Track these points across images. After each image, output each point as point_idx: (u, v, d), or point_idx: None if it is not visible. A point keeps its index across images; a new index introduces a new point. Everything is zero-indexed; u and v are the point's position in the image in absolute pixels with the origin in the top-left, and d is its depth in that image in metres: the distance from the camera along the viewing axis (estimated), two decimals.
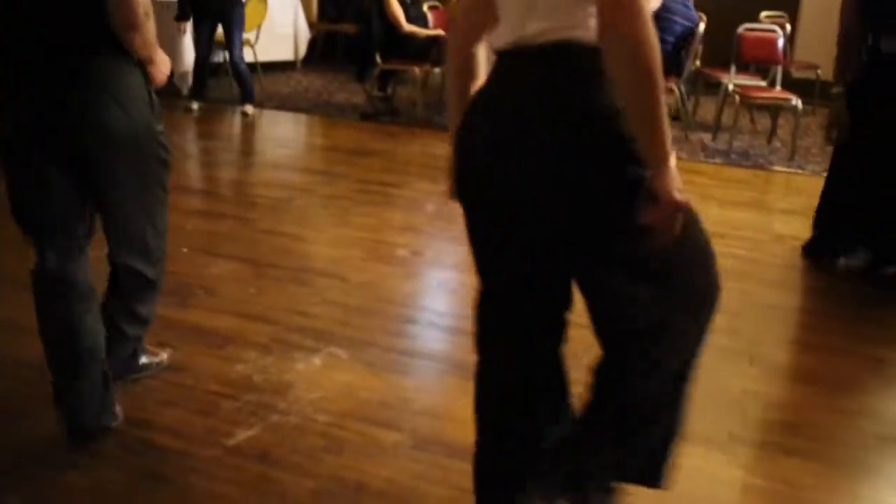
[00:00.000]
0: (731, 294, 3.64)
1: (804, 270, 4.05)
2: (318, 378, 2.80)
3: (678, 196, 1.51)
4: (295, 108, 7.72)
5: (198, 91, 7.23)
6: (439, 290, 3.64)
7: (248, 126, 7.04)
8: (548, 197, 1.59)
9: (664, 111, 1.48)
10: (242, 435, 2.46)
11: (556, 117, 1.55)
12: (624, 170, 1.54)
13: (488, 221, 1.75)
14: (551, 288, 1.79)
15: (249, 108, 7.22)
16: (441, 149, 6.18)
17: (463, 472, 2.32)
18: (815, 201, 4.24)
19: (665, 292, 1.67)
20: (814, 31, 8.41)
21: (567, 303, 1.82)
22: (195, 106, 7.21)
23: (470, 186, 1.74)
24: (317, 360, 2.91)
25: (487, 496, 1.99)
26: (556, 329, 1.86)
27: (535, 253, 1.71)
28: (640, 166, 1.53)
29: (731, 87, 6.72)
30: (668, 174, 1.50)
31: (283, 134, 7.13)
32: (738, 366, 3.00)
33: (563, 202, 1.59)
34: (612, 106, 1.52)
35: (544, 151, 1.56)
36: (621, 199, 1.56)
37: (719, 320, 3.36)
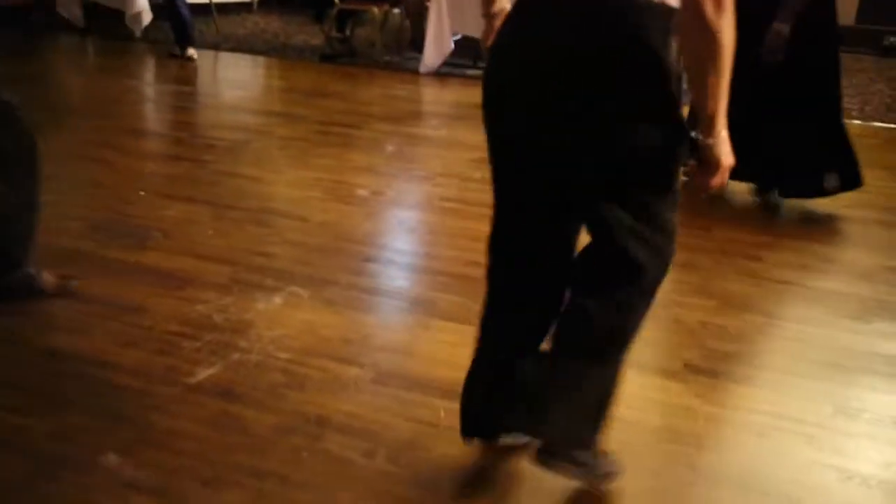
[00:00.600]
0: (690, 231, 3.71)
1: (756, 206, 4.12)
2: (278, 316, 2.80)
3: (728, 161, 1.64)
4: (251, 51, 7.58)
5: (184, 36, 6.96)
6: (399, 228, 3.64)
7: (205, 69, 6.91)
8: (586, 133, 1.64)
9: (727, 86, 1.55)
10: (203, 373, 2.46)
11: (621, 60, 1.57)
12: (665, 126, 1.63)
13: (518, 138, 1.77)
14: (563, 213, 1.86)
15: (192, 51, 6.99)
16: (401, 90, 6.14)
17: (423, 405, 2.36)
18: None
19: (653, 244, 1.78)
20: None
21: (576, 231, 1.91)
22: (191, 52, 6.96)
23: (509, 97, 1.74)
24: (277, 299, 2.91)
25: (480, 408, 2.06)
26: (564, 251, 1.93)
27: (555, 177, 1.76)
28: (679, 128, 1.63)
29: None
30: (724, 141, 1.62)
31: (240, 76, 7.01)
32: (695, 299, 3.05)
33: (599, 141, 1.64)
34: (671, 67, 1.59)
35: (596, 86, 1.60)
36: (657, 151, 1.66)
37: (683, 257, 3.43)
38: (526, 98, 1.69)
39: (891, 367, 2.69)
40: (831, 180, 3.93)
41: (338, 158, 4.48)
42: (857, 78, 6.96)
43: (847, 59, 7.57)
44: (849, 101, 6.11)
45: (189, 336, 2.65)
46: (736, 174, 3.46)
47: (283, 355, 2.58)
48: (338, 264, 3.21)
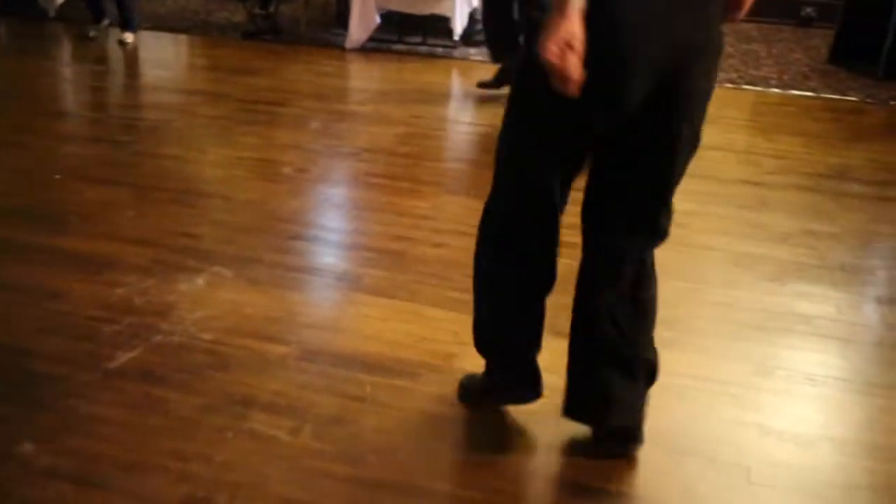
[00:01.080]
0: None
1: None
2: (201, 297, 2.75)
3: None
4: (172, 29, 7.38)
5: (97, 14, 6.71)
6: (325, 205, 3.60)
7: (124, 48, 6.71)
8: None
9: None
10: (124, 357, 2.41)
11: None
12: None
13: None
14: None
15: (129, 37, 6.79)
16: (326, 66, 6.06)
17: (349, 381, 2.35)
18: None
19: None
20: None
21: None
22: (92, 34, 6.72)
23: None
24: (200, 280, 2.86)
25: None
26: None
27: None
28: None
29: None
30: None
31: (160, 55, 6.83)
32: None
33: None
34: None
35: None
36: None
37: None
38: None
39: (807, 326, 2.77)
40: None
41: (262, 136, 4.41)
42: (776, 48, 7.10)
43: (766, 29, 7.76)
44: (768, 71, 6.24)
45: (109, 320, 2.59)
46: None
47: (207, 336, 2.54)
48: (263, 243, 3.17)
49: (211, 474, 1.97)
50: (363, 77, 5.94)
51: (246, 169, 3.93)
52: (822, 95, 5.64)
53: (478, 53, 6.25)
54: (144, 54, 6.73)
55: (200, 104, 5.04)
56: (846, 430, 2.27)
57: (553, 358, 2.11)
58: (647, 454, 2.13)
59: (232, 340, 2.52)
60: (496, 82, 4.97)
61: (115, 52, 6.52)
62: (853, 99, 5.62)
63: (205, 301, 2.73)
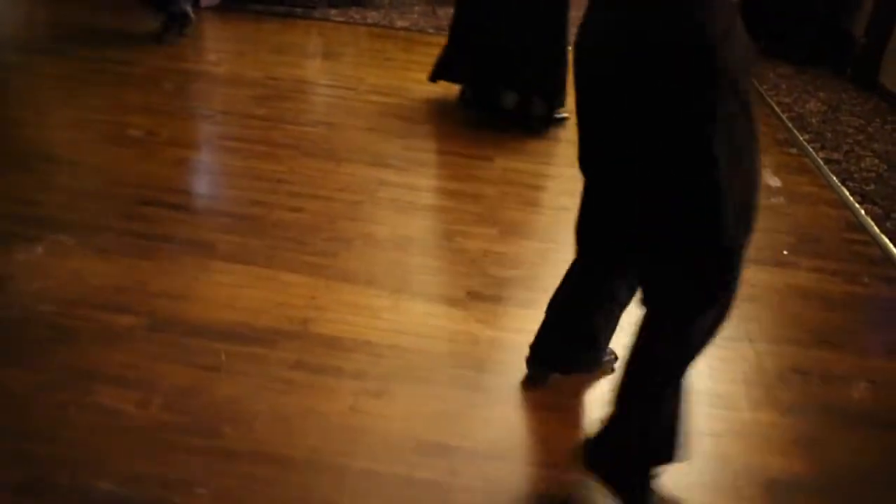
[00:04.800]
0: (473, 162, 3.77)
1: (543, 139, 4.23)
2: (41, 268, 2.60)
3: None
4: None
5: None
6: (177, 170, 3.45)
7: None
8: None
9: None
10: None
11: None
12: None
13: None
14: None
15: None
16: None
17: (203, 350, 2.28)
18: None
19: None
20: None
21: None
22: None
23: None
24: (39, 249, 2.69)
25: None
26: None
27: None
28: None
29: None
30: None
31: None
32: (478, 228, 3.11)
33: None
34: None
35: None
36: None
37: (467, 188, 3.47)
38: None
39: None
40: (538, 107, 4.11)
41: (110, 97, 4.17)
42: None
43: None
44: None
45: None
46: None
47: (48, 308, 2.40)
48: (110, 209, 3.01)
49: (50, 453, 1.87)
50: (218, 37, 5.71)
51: (92, 132, 3.72)
52: None
53: (339, 14, 6.12)
54: None
55: (44, 63, 4.72)
56: (691, 379, 2.36)
57: None
58: (504, 410, 2.17)
59: (75, 312, 2.39)
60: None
61: None
62: None
63: (45, 271, 2.57)
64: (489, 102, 4.14)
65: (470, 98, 4.22)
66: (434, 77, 4.19)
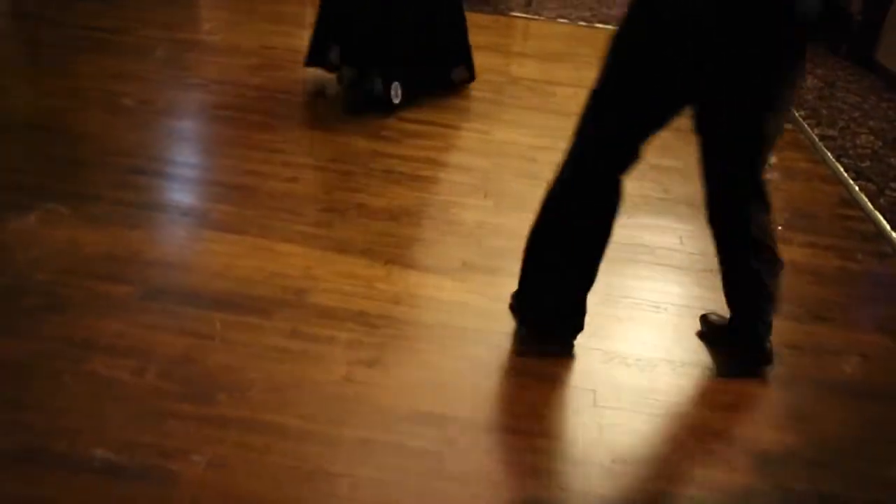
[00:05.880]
0: (470, 134, 3.76)
1: (538, 113, 4.22)
2: (34, 236, 2.58)
3: None
4: None
5: None
6: (170, 139, 3.43)
7: None
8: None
9: None
10: None
11: None
12: None
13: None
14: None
15: None
16: None
17: (197, 318, 2.28)
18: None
19: None
20: None
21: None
22: None
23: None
24: (32, 218, 2.68)
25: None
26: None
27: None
28: None
29: None
30: None
31: None
32: (472, 200, 3.11)
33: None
34: None
35: None
36: None
37: (457, 158, 3.46)
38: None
39: (651, 256, 2.88)
40: (459, 73, 4.15)
41: (101, 66, 4.13)
42: None
43: None
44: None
45: None
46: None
47: (42, 277, 2.39)
48: (102, 178, 2.99)
49: (47, 421, 1.87)
50: (213, 5, 5.66)
51: (84, 100, 3.69)
52: None
53: None
54: None
55: (32, 30, 4.68)
56: (683, 352, 2.38)
57: None
58: (493, 381, 2.18)
59: (69, 281, 2.38)
60: None
61: None
62: None
63: (38, 240, 2.56)
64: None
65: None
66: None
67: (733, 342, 2.37)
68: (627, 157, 2.16)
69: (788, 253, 2.95)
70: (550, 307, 2.33)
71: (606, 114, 2.12)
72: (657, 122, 2.13)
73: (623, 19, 2.05)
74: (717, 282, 2.35)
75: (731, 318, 2.36)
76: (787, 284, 2.79)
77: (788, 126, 4.26)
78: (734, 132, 2.09)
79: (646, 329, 2.47)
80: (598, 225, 2.21)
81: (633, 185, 3.43)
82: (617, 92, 2.10)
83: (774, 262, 2.28)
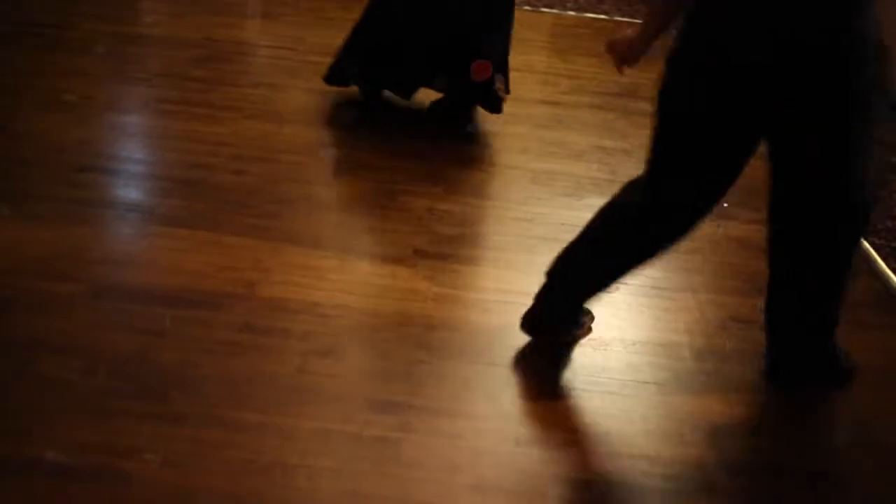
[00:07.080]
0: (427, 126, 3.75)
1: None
2: None
3: None
4: None
5: None
6: (114, 134, 3.37)
7: None
8: None
9: None
10: None
11: None
12: None
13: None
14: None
15: None
16: None
17: (146, 315, 2.25)
18: None
19: None
20: None
21: None
22: None
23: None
24: None
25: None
26: None
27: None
28: None
29: None
30: None
31: None
32: (422, 186, 3.11)
33: None
34: None
35: None
36: None
37: (411, 147, 3.45)
38: None
39: None
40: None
41: (41, 61, 4.04)
42: None
43: None
44: None
45: None
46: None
47: None
48: (44, 176, 2.93)
49: None
50: None
51: (24, 97, 3.60)
52: (615, 18, 5.86)
53: None
54: None
55: None
56: (636, 331, 2.42)
57: None
58: (453, 366, 2.19)
59: (12, 281, 2.33)
60: None
61: None
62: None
63: None
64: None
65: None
66: None
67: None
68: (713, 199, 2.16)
69: (735, 229, 3.02)
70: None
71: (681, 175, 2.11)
72: (736, 169, 2.10)
73: (671, 75, 2.08)
74: (667, 260, 2.38)
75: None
76: (734, 260, 2.85)
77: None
78: (823, 149, 1.98)
79: (598, 309, 2.48)
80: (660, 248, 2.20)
81: (579, 166, 3.51)
82: (691, 151, 2.07)
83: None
